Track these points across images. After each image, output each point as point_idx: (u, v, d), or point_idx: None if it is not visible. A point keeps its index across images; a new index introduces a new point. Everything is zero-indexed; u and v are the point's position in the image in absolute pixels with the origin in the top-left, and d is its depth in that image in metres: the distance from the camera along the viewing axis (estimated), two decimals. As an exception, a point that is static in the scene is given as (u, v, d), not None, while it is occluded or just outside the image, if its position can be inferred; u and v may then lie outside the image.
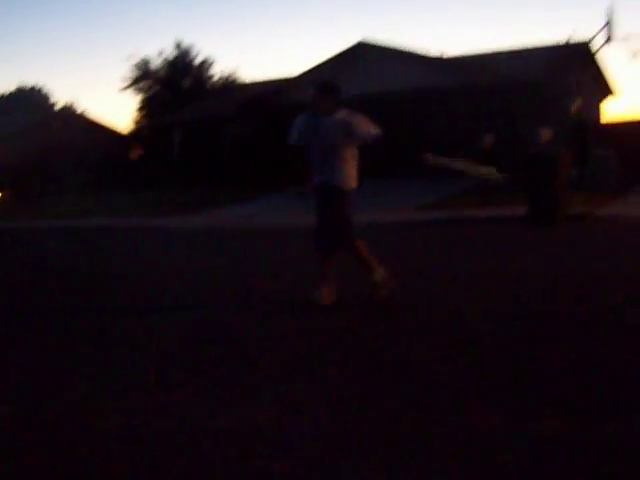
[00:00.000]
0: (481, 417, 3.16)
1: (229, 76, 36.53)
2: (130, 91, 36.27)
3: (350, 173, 6.07)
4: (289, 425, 3.20)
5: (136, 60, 35.59)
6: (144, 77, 35.61)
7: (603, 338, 4.46)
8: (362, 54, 22.81)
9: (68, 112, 40.59)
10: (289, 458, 2.84)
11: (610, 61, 76.66)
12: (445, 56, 23.79)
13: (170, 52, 35.84)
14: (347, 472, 2.71)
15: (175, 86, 34.67)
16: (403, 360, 4.17)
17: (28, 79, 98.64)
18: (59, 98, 75.94)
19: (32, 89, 61.72)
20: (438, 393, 3.54)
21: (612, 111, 51.02)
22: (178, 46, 35.98)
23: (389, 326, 5.10)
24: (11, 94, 59.13)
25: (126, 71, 37.34)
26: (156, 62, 35.69)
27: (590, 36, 19.09)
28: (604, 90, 27.63)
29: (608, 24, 17.34)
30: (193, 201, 19.96)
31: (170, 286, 7.37)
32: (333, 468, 2.75)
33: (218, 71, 39.53)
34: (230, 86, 34.36)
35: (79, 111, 40.40)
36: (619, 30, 19.68)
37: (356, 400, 3.49)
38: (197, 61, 36.23)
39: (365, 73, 22.20)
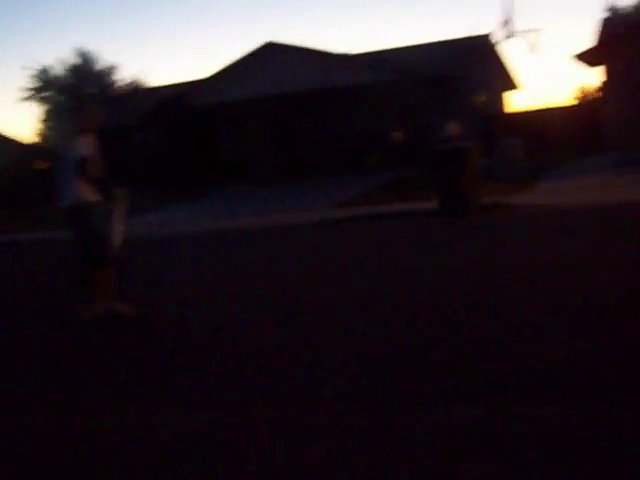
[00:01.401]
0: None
1: (135, 81, 35.80)
2: (31, 102, 35.08)
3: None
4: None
5: (35, 69, 34.44)
6: (45, 87, 34.45)
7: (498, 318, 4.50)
8: (271, 54, 22.68)
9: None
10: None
11: (512, 54, 79.04)
12: (352, 53, 23.95)
13: (71, 60, 34.84)
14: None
15: (79, 94, 33.65)
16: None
17: None
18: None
19: None
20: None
21: (516, 102, 52.73)
22: (79, 53, 35.00)
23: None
24: None
25: (25, 81, 35.98)
26: (57, 70, 34.63)
27: (491, 30, 19.61)
28: (507, 82, 28.43)
29: (507, 18, 17.81)
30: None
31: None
32: None
33: (123, 77, 38.65)
34: (137, 91, 33.63)
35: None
36: (518, 24, 20.29)
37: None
38: (100, 67, 35.32)
39: (275, 73, 22.10)
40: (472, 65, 20.79)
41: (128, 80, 35.68)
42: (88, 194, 5.78)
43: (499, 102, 27.76)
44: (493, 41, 21.42)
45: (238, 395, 3.80)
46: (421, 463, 2.76)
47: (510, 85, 29.02)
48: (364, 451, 2.93)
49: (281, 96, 22.16)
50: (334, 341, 4.69)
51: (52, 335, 5.79)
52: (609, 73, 19.71)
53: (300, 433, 3.19)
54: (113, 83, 35.50)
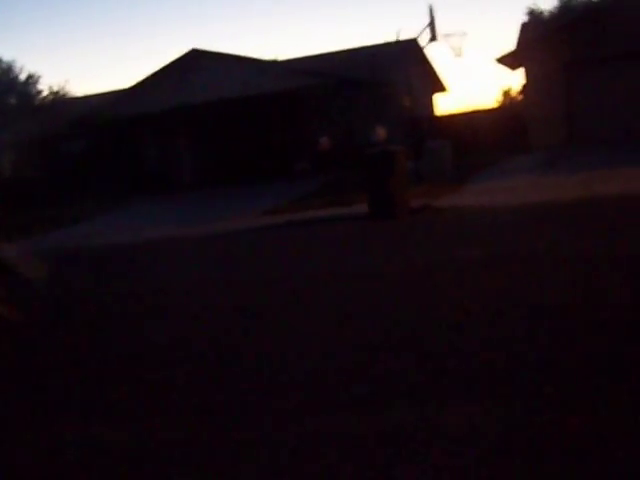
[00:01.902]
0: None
1: (58, 91, 34.83)
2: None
3: None
4: None
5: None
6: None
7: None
8: (196, 62, 22.45)
9: None
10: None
11: (438, 58, 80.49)
12: (279, 60, 23.91)
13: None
14: None
15: (-1, 104, 32.55)
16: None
17: None
18: None
19: None
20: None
21: (444, 105, 53.70)
22: (-2, 62, 33.87)
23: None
24: None
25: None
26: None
27: (416, 34, 19.83)
28: (434, 85, 28.85)
29: (431, 23, 18.02)
30: (29, 223, 18.76)
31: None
32: None
33: (46, 86, 37.59)
34: (61, 101, 32.76)
35: None
36: (442, 29, 20.63)
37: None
38: (21, 77, 34.25)
39: (200, 80, 21.88)
40: (399, 69, 21.00)
41: (51, 90, 34.72)
42: None
43: (428, 105, 28.15)
44: (419, 45, 21.70)
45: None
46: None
47: (438, 88, 29.48)
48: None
49: (207, 104, 21.93)
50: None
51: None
52: (528, 76, 20.23)
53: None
54: (36, 93, 34.48)
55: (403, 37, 20.54)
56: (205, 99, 21.71)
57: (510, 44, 44.18)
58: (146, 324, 5.88)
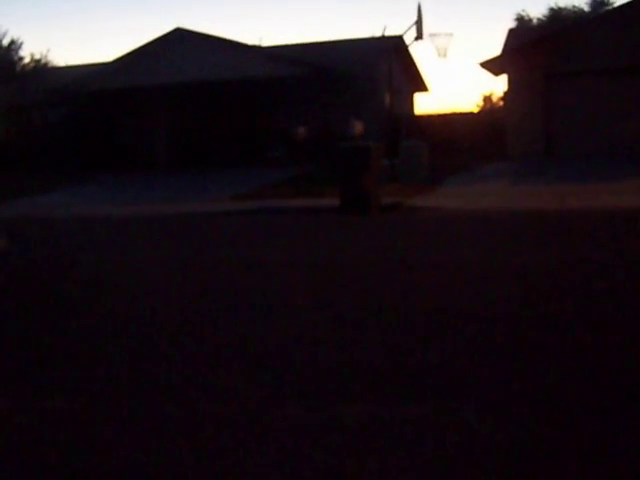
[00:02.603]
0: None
1: (40, 59, 34.29)
2: None
3: None
4: None
5: None
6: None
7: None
8: (179, 41, 22.23)
9: None
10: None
11: (422, 57, 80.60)
12: (263, 46, 23.74)
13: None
14: None
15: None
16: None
17: None
18: None
19: None
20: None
21: (424, 105, 53.80)
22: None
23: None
24: None
25: None
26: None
27: (402, 32, 19.77)
28: (416, 84, 28.88)
29: (418, 21, 17.97)
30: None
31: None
32: None
33: (28, 54, 37.01)
34: (42, 70, 32.26)
35: None
36: (429, 28, 20.65)
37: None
38: (4, 42, 33.64)
39: (182, 60, 21.67)
40: (382, 65, 20.93)
41: (33, 57, 34.16)
42: None
43: (408, 103, 28.17)
44: (405, 43, 21.66)
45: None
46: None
47: (420, 87, 29.50)
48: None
49: (187, 84, 21.74)
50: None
51: None
52: (511, 83, 20.30)
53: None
54: (17, 60, 33.91)
55: (389, 33, 20.49)
56: (185, 79, 21.50)
57: (496, 49, 44.38)
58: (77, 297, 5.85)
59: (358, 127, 13.78)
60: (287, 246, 8.53)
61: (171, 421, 3.11)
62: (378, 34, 21.81)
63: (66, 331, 4.74)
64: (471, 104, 43.75)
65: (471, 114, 26.23)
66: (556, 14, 36.98)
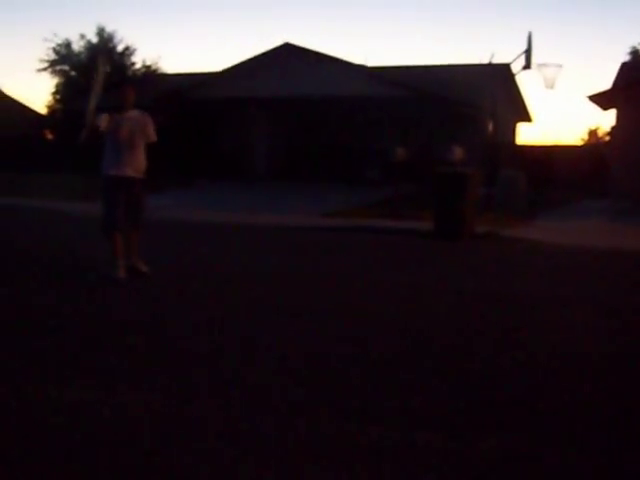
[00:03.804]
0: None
1: (151, 65, 35.67)
2: (46, 73, 35.01)
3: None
4: None
5: (55, 42, 34.40)
6: (62, 60, 34.35)
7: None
8: (286, 56, 22.67)
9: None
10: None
11: (528, 87, 79.17)
12: (368, 66, 23.90)
13: (92, 37, 34.77)
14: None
15: (94, 72, 33.46)
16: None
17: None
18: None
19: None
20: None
21: (526, 135, 52.80)
22: (100, 32, 34.89)
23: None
24: None
25: (44, 52, 35.80)
26: (76, 46, 34.55)
27: (510, 60, 19.50)
28: (520, 113, 28.42)
29: (527, 50, 17.68)
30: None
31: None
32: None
33: (140, 60, 38.54)
34: (152, 76, 33.53)
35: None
36: (538, 58, 20.22)
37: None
38: (119, 48, 35.19)
39: (288, 74, 22.07)
40: (487, 92, 20.72)
41: (144, 63, 35.54)
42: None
43: (510, 132, 27.75)
44: (512, 71, 21.35)
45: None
46: None
47: (523, 117, 29.01)
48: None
49: (290, 98, 22.12)
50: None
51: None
52: (620, 118, 19.64)
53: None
54: (130, 65, 35.34)
55: (496, 61, 20.24)
56: (289, 94, 21.90)
57: (606, 83, 43.16)
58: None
59: (458, 153, 13.64)
60: (379, 266, 8.55)
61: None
62: (485, 60, 21.63)
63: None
64: (575, 137, 42.66)
65: (574, 147, 25.57)
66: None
